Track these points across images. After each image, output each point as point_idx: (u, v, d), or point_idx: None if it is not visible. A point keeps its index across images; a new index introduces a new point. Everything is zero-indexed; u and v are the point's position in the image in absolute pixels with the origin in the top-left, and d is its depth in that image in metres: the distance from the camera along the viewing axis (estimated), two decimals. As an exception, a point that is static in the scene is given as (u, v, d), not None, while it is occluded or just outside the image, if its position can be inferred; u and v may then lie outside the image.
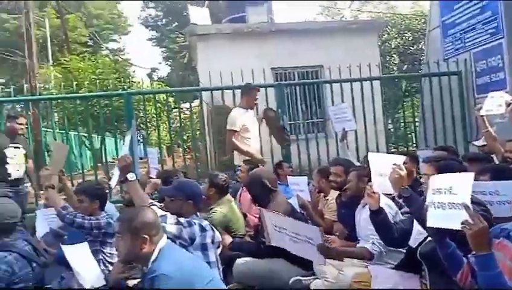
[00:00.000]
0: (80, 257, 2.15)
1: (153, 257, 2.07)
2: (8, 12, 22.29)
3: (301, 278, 3.01)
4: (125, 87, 8.66)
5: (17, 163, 5.00)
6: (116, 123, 7.01)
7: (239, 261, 3.20)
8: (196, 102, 8.24)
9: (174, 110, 9.33)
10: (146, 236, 2.06)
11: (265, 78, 6.60)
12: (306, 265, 3.12)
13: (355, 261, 3.01)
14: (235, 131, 5.11)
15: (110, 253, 3.31)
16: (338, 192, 3.71)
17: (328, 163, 4.68)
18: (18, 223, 2.93)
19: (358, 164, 4.51)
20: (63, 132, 8.58)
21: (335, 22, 9.29)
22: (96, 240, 3.18)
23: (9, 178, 4.90)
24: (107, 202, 3.56)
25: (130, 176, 2.66)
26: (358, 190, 3.21)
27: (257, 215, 3.67)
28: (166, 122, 9.39)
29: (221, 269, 2.76)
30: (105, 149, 7.18)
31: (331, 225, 3.75)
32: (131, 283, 2.79)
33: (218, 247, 2.88)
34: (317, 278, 2.96)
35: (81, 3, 23.28)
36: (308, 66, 8.61)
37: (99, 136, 9.10)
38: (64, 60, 10.99)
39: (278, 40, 8.49)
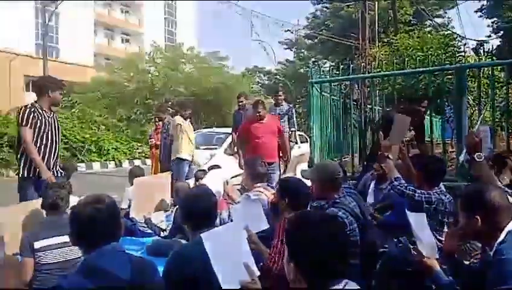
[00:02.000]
0: (420, 226, 2.23)
1: (500, 239, 1.93)
2: (343, 1, 25.01)
3: None
4: (452, 62, 8.16)
5: None
6: (438, 101, 6.74)
7: None
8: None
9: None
10: (477, 217, 1.95)
11: None
12: None
13: None
14: None
15: (440, 229, 3.27)
16: None
17: None
18: (342, 182, 3.28)
19: None
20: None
21: None
22: (427, 215, 3.19)
23: None
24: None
25: (478, 156, 2.49)
26: None
27: None
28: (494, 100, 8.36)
29: None
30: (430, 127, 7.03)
31: None
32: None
33: None
34: None
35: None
36: None
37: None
38: (392, 39, 11.41)
39: None
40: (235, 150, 7.14)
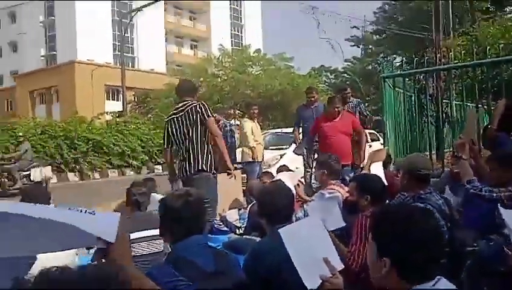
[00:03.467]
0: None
1: None
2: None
3: None
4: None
5: None
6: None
7: None
8: None
9: None
10: None
11: None
12: None
13: None
14: None
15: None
16: None
17: None
18: (430, 176, 3.11)
19: None
20: (470, 103, 8.31)
21: None
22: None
23: None
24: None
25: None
26: None
27: None
28: None
29: None
30: None
31: None
32: None
33: None
34: None
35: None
36: None
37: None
38: (468, 29, 10.72)
39: None
40: (299, 148, 6.99)
